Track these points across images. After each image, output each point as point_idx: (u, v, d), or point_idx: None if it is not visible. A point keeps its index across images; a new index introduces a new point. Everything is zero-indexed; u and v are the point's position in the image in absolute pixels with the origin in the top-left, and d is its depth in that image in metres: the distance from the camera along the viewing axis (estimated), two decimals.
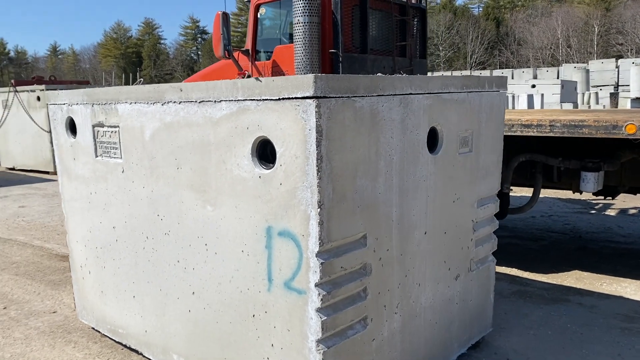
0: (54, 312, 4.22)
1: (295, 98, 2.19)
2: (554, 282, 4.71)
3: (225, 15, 6.15)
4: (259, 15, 6.52)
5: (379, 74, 2.85)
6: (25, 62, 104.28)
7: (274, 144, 2.32)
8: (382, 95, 2.44)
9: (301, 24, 5.52)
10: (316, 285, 2.28)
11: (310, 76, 2.13)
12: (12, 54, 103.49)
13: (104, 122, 3.21)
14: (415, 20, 6.98)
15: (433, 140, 2.85)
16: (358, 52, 6.09)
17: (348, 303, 2.43)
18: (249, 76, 6.48)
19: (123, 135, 3.09)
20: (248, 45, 6.64)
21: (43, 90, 11.55)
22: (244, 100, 2.39)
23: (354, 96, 2.29)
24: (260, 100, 2.33)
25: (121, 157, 3.14)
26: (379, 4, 6.39)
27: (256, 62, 6.55)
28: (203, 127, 2.60)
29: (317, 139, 2.16)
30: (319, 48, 5.60)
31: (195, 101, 2.62)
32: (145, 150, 2.96)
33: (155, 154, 2.90)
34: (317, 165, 2.18)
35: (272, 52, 6.34)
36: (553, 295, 4.39)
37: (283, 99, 2.24)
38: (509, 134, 4.25)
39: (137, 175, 3.06)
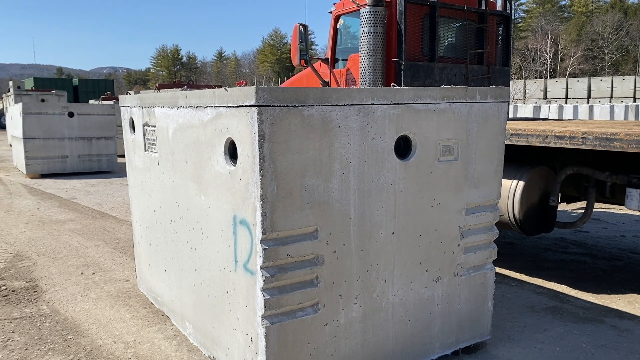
0: (127, 281, 5.02)
1: (246, 106, 2.57)
2: (599, 303, 4.48)
3: (303, 27, 6.64)
4: (338, 26, 6.91)
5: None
6: (195, 66, 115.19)
7: (236, 144, 2.72)
8: (337, 105, 2.71)
9: (366, 34, 5.80)
10: (261, 268, 2.64)
11: (253, 88, 2.50)
12: (184, 59, 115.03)
13: (149, 122, 3.85)
14: (500, 27, 6.85)
15: (406, 147, 3.04)
16: (426, 60, 6.20)
17: (297, 287, 2.75)
18: (327, 84, 6.90)
19: (158, 134, 3.69)
20: (328, 54, 7.07)
21: None
22: (219, 106, 2.83)
23: (301, 105, 2.61)
24: (228, 107, 2.74)
25: (157, 152, 3.75)
26: (452, 12, 6.42)
27: (335, 70, 6.95)
28: (198, 128, 3.08)
29: (259, 141, 2.52)
30: (382, 57, 5.83)
31: (194, 106, 3.11)
32: (169, 147, 3.53)
33: (175, 150, 3.45)
34: (260, 164, 2.54)
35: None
36: (588, 315, 4.21)
37: (240, 106, 2.63)
38: (544, 145, 4.18)
39: (166, 167, 3.64)
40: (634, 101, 32.28)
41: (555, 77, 55.55)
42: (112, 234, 6.85)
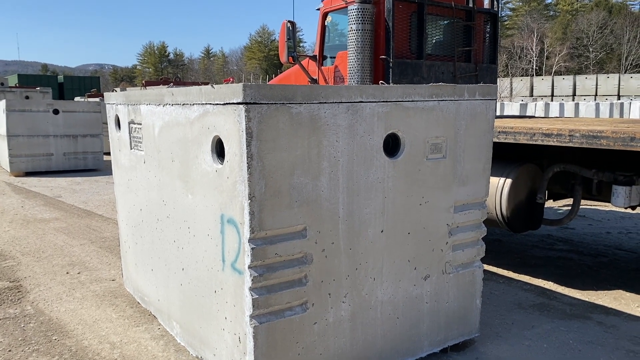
0: (113, 280, 4.96)
1: (234, 104, 2.54)
2: (585, 299, 4.51)
3: (291, 24, 6.61)
4: (326, 23, 6.89)
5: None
6: (182, 63, 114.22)
7: (224, 142, 2.69)
8: (325, 102, 2.69)
9: (354, 31, 5.78)
10: (249, 267, 2.61)
11: (241, 85, 2.47)
12: (171, 56, 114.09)
13: (135, 119, 3.80)
14: (487, 25, 6.86)
15: (395, 145, 3.03)
16: (414, 58, 6.20)
17: (285, 286, 2.73)
18: (315, 81, 6.87)
19: (144, 131, 3.65)
20: (316, 51, 7.04)
21: None
22: (206, 104, 2.79)
23: (290, 103, 2.58)
24: (215, 104, 2.71)
25: (143, 150, 3.71)
26: (440, 10, 6.42)
27: (323, 67, 6.92)
28: (184, 126, 3.05)
29: (247, 139, 2.49)
30: (371, 55, 5.81)
31: (180, 104, 3.07)
32: (155, 145, 3.48)
33: (161, 148, 3.41)
34: (247, 163, 2.51)
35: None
36: (575, 312, 4.24)
37: (227, 104, 2.60)
38: (531, 142, 4.19)
39: (152, 165, 3.59)
40: (618, 99, 32.59)
41: (541, 75, 55.95)
42: (98, 232, 6.77)
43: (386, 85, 2.94)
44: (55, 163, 12.26)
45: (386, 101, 2.90)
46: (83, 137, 12.50)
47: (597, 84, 36.21)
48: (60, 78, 38.08)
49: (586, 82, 37.21)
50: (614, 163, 4.27)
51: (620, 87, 35.30)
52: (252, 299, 2.62)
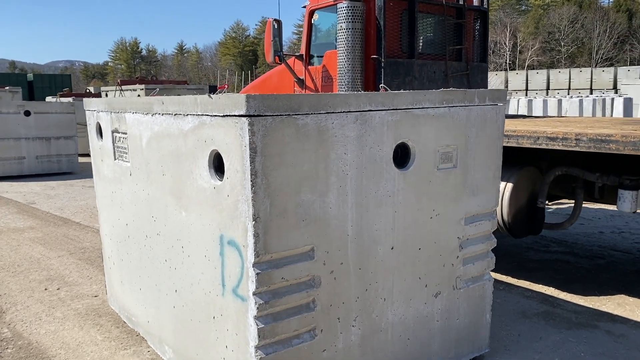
0: (96, 296, 4.67)
1: (235, 116, 2.31)
2: (589, 306, 4.39)
3: (277, 23, 6.36)
4: (313, 21, 6.66)
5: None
6: (155, 60, 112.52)
7: (223, 157, 2.45)
8: (333, 112, 2.48)
9: (344, 30, 5.58)
10: (254, 294, 2.39)
11: (244, 96, 2.24)
12: (144, 52, 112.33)
13: (119, 128, 3.53)
14: (477, 22, 6.72)
15: (404, 155, 2.83)
16: (405, 57, 6.02)
17: (292, 313, 2.51)
18: (301, 81, 6.64)
19: (130, 142, 3.38)
20: (302, 50, 6.81)
21: (142, 89, 12.56)
22: (202, 115, 2.55)
23: (295, 114, 2.36)
24: (212, 115, 2.48)
25: (129, 162, 3.44)
26: (431, 8, 6.25)
27: (310, 67, 6.70)
28: (177, 138, 2.80)
29: (250, 155, 2.27)
30: (361, 54, 5.62)
31: (172, 114, 2.82)
32: (143, 156, 3.22)
33: (150, 160, 3.16)
34: (251, 181, 2.29)
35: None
36: (581, 320, 4.11)
37: (227, 115, 2.36)
38: (535, 146, 4.04)
39: (140, 178, 3.33)
40: (591, 92, 32.99)
41: (514, 69, 56.50)
42: (77, 242, 6.45)
43: (395, 92, 2.73)
44: (27, 167, 11.80)
45: (396, 109, 2.70)
46: (56, 139, 12.04)
47: (570, 78, 36.63)
48: (30, 76, 37.03)
49: (559, 76, 37.60)
50: (619, 167, 4.14)
51: (593, 80, 35.78)
52: (258, 328, 2.39)
